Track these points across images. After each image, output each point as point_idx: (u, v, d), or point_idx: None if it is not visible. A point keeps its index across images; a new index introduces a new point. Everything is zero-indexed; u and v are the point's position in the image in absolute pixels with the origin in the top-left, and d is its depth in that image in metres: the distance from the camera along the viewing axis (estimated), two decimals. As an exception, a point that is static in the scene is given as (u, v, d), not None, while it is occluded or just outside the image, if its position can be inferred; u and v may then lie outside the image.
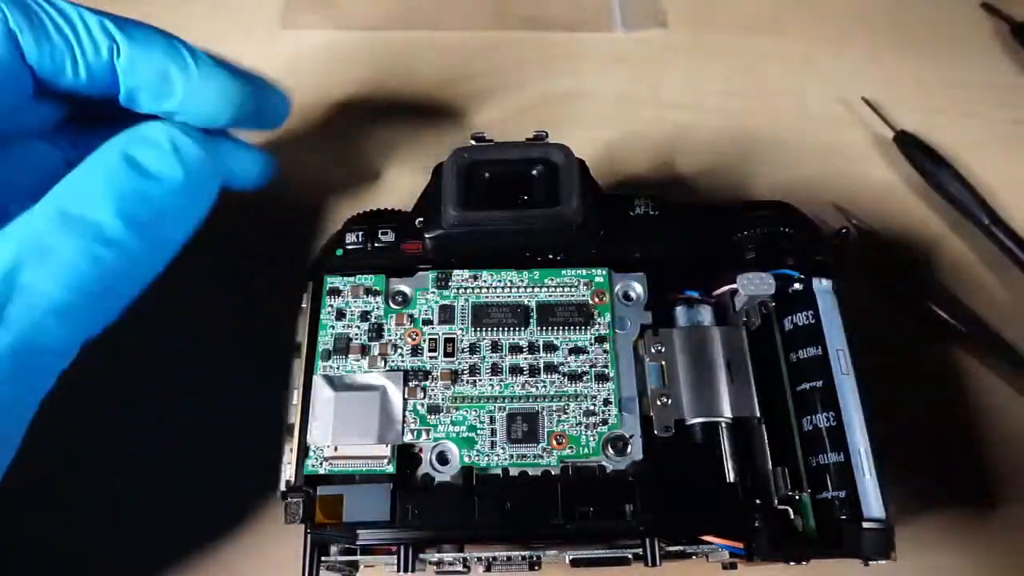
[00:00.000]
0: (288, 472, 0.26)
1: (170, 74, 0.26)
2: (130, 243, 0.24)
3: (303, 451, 0.26)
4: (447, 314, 0.29)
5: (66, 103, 0.29)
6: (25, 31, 0.25)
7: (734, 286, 0.28)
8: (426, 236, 0.29)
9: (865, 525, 0.25)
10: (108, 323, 0.25)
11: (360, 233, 0.30)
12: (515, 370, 0.28)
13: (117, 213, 0.24)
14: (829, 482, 0.25)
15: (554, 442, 0.26)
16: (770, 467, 0.26)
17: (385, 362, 0.28)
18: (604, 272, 0.29)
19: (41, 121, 0.29)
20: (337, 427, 0.26)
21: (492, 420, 0.27)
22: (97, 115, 0.29)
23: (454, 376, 0.27)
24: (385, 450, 0.26)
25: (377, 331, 0.28)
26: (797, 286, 0.28)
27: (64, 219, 0.23)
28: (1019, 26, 0.40)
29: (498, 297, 0.29)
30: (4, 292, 0.22)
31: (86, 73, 0.26)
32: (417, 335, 0.28)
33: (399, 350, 0.28)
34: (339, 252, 0.30)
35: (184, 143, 0.26)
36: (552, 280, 0.29)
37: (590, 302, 0.29)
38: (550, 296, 0.29)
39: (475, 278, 0.29)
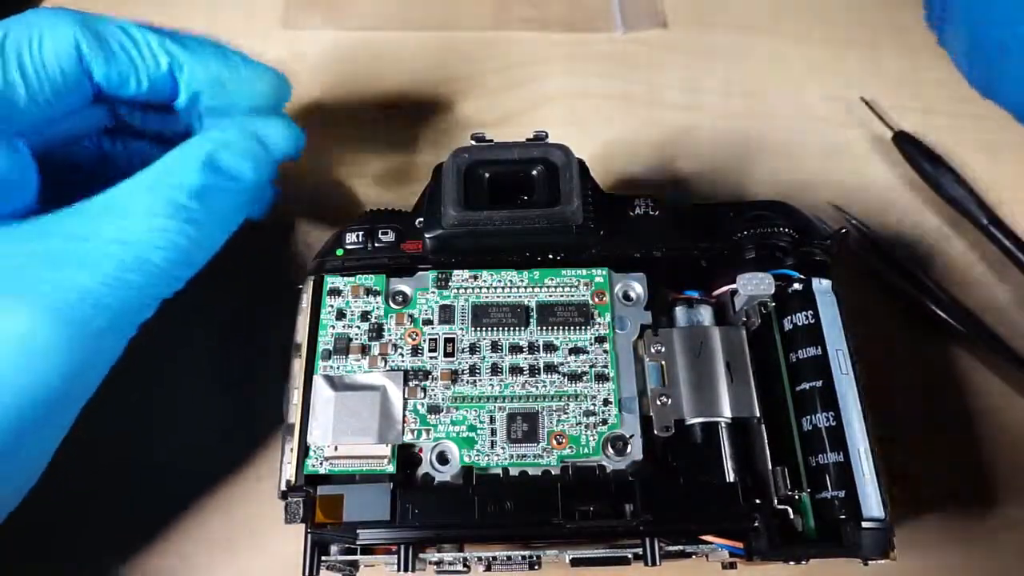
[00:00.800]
0: (288, 472, 0.26)
1: (223, 77, 0.30)
2: (203, 222, 0.28)
3: (303, 451, 0.26)
4: (447, 314, 0.29)
5: (122, 106, 0.33)
6: (97, 55, 0.28)
7: (734, 286, 0.28)
8: (426, 236, 0.29)
9: (865, 525, 0.25)
10: (165, 296, 0.28)
11: (360, 233, 0.30)
12: (515, 370, 0.28)
13: (198, 197, 0.27)
14: (829, 482, 0.25)
15: (554, 442, 0.26)
16: (770, 467, 0.26)
17: (385, 362, 0.28)
18: (604, 272, 0.29)
19: (96, 122, 0.32)
20: (337, 427, 0.26)
21: (492, 420, 0.27)
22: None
23: (454, 376, 0.27)
24: (385, 450, 0.26)
25: (377, 331, 0.28)
26: (797, 286, 0.28)
27: (155, 193, 0.27)
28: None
29: (498, 297, 0.29)
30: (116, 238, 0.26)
31: (147, 84, 0.30)
32: (417, 335, 0.28)
33: (399, 350, 0.28)
34: (339, 252, 0.30)
35: (259, 151, 0.30)
36: (552, 280, 0.29)
37: (590, 302, 0.29)
38: (550, 296, 0.29)
39: (475, 278, 0.29)
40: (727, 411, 0.27)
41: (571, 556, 0.27)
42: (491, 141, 0.30)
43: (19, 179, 0.28)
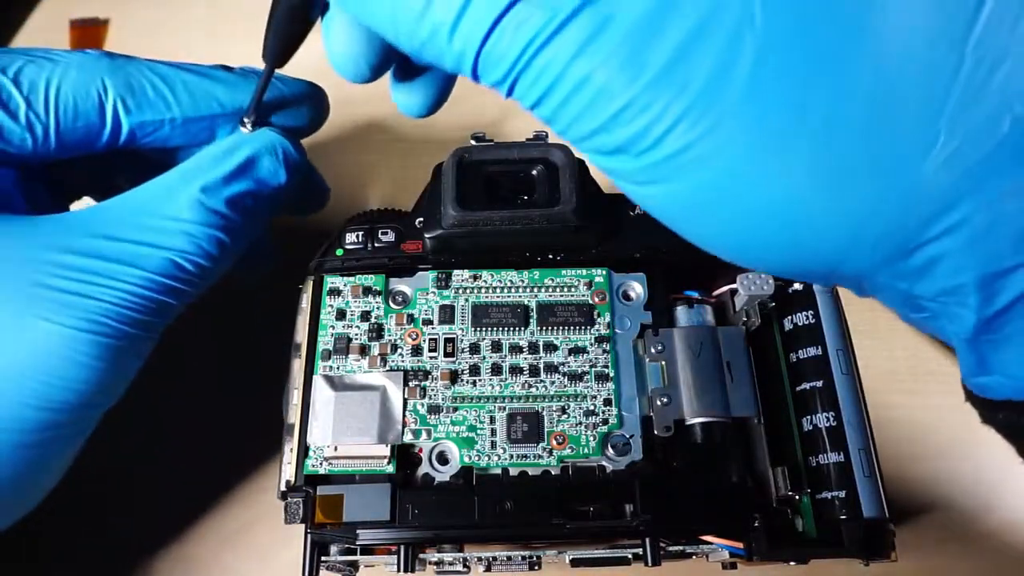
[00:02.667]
0: (288, 472, 0.26)
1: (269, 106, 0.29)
2: (236, 223, 0.27)
3: (303, 451, 0.26)
4: (447, 314, 0.29)
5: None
6: (128, 101, 0.27)
7: (734, 286, 0.28)
8: (426, 236, 0.29)
9: (865, 525, 0.25)
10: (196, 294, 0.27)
11: (360, 233, 0.30)
12: (515, 370, 0.28)
13: (229, 199, 0.27)
14: (829, 482, 0.25)
15: (554, 442, 0.26)
16: (770, 467, 0.26)
17: (385, 362, 0.28)
18: (604, 272, 0.29)
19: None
20: (337, 427, 0.26)
21: (492, 420, 0.27)
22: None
23: (454, 376, 0.27)
24: (385, 450, 0.26)
25: (377, 331, 0.28)
26: (797, 286, 0.28)
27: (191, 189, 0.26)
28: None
29: (498, 297, 0.29)
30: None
31: (181, 120, 0.28)
32: (417, 335, 0.28)
33: (399, 350, 0.28)
34: (339, 252, 0.30)
35: (291, 153, 0.29)
36: (552, 280, 0.29)
37: (590, 302, 0.29)
38: (550, 296, 0.29)
39: (475, 278, 0.29)
40: (727, 411, 0.27)
41: (571, 556, 0.27)
42: (491, 141, 0.30)
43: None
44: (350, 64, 0.24)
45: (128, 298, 0.25)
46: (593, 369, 0.28)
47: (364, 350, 0.28)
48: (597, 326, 0.28)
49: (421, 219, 0.29)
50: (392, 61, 0.25)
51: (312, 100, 0.31)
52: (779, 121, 0.17)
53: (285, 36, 0.26)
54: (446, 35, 0.18)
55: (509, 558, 0.27)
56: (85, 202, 0.33)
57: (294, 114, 0.30)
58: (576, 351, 0.28)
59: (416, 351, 0.28)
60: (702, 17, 0.17)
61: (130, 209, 0.26)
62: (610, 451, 0.26)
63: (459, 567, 0.27)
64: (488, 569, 0.28)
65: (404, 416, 0.27)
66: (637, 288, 0.29)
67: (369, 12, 0.19)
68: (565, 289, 0.29)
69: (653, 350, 0.28)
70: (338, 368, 0.28)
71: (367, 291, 0.29)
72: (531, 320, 0.28)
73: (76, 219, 0.26)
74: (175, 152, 0.29)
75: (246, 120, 0.29)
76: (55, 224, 0.26)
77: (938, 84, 0.17)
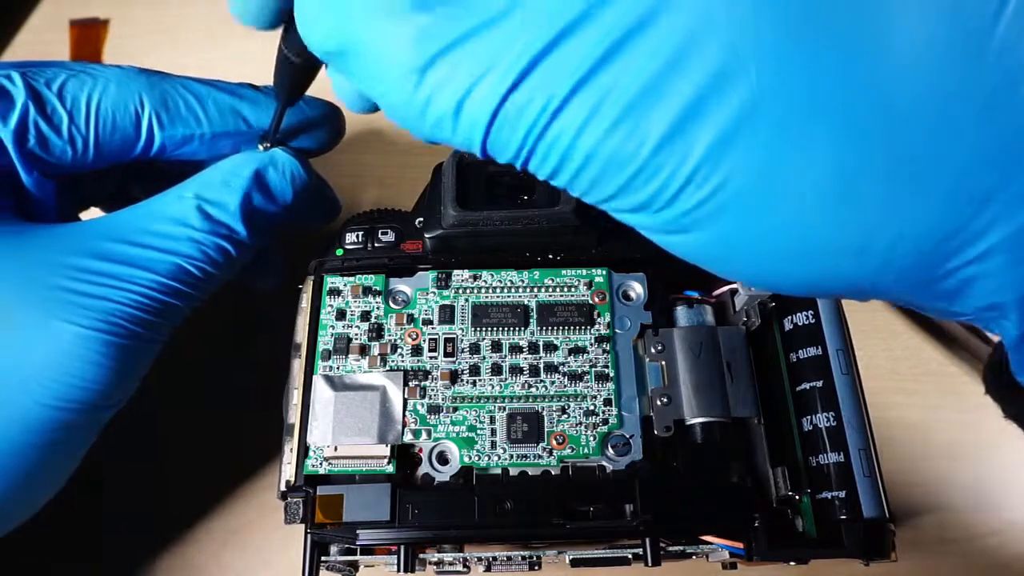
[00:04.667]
0: (288, 472, 0.26)
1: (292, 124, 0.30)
2: (241, 234, 0.28)
3: (303, 451, 0.26)
4: (447, 314, 0.29)
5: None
6: (163, 117, 0.28)
7: (734, 286, 0.28)
8: (426, 236, 0.29)
9: (865, 525, 0.25)
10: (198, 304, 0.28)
11: (360, 233, 0.30)
12: (515, 370, 0.28)
13: (236, 212, 0.28)
14: (829, 482, 0.25)
15: (554, 442, 0.26)
16: (770, 467, 0.26)
17: (385, 362, 0.28)
18: (604, 272, 0.29)
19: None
20: (337, 427, 0.26)
21: (492, 420, 0.27)
22: None
23: (454, 376, 0.27)
24: (385, 450, 0.26)
25: (377, 331, 0.28)
26: (797, 286, 0.28)
27: (202, 202, 0.27)
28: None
29: (498, 297, 0.29)
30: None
31: (209, 135, 0.29)
32: (417, 335, 0.28)
33: (399, 350, 0.28)
34: (339, 252, 0.30)
35: (299, 173, 0.30)
36: (552, 280, 0.29)
37: (590, 302, 0.29)
38: (550, 296, 0.29)
39: (475, 278, 0.29)
40: (727, 411, 0.27)
41: (571, 556, 0.27)
42: (491, 141, 0.30)
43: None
44: (356, 102, 0.26)
45: (138, 299, 0.26)
46: (593, 369, 0.28)
47: (364, 350, 0.28)
48: (597, 326, 0.28)
49: (421, 219, 0.29)
50: None
51: (329, 120, 0.32)
52: (789, 170, 0.17)
53: (291, 84, 0.27)
54: (449, 128, 0.19)
55: (509, 558, 0.27)
56: (92, 212, 0.33)
57: (312, 136, 0.31)
58: (576, 351, 0.28)
59: (416, 351, 0.28)
60: (706, 79, 0.17)
61: (142, 216, 0.27)
62: (610, 451, 0.26)
63: (459, 567, 0.27)
64: (488, 569, 0.28)
65: (404, 416, 0.27)
66: (637, 288, 0.29)
67: (373, 95, 0.20)
68: (565, 289, 0.29)
69: (653, 350, 0.27)
70: (338, 368, 0.28)
71: (367, 291, 0.29)
72: (531, 320, 0.28)
73: (91, 226, 0.27)
74: (199, 165, 0.30)
75: (262, 144, 0.30)
76: (71, 231, 0.27)
77: (957, 112, 0.16)
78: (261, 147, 0.30)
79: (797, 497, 0.26)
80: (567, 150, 0.18)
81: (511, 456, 0.26)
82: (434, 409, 0.27)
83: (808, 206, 0.17)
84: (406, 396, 0.27)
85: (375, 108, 0.25)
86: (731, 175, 0.17)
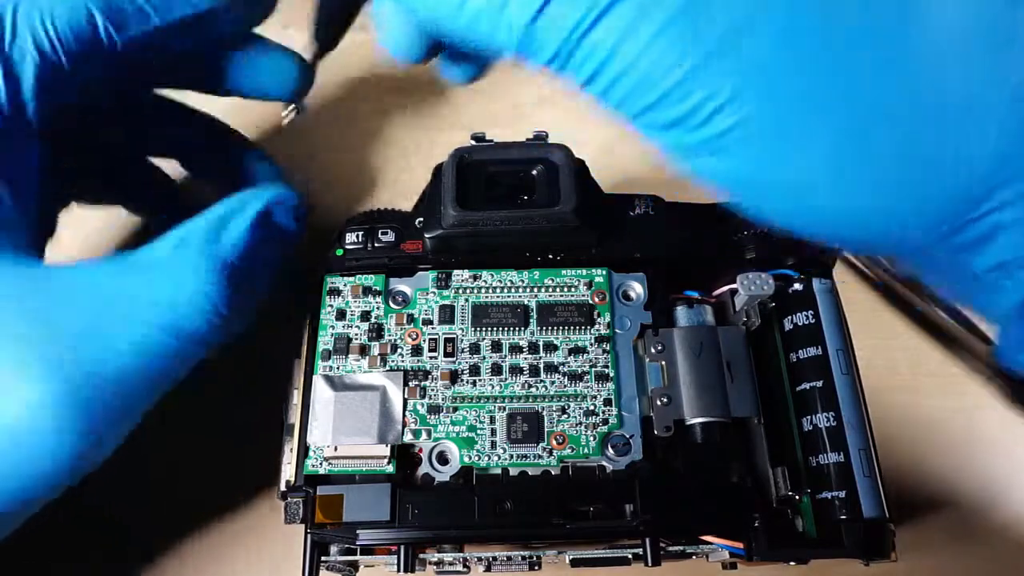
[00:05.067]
0: (288, 472, 0.26)
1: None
2: (246, 283, 0.27)
3: (303, 451, 0.26)
4: (447, 314, 0.29)
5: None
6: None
7: (734, 286, 0.28)
8: (426, 236, 0.29)
9: (865, 525, 0.25)
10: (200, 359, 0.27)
11: (360, 233, 0.30)
12: (515, 370, 0.28)
13: (245, 255, 0.26)
14: (829, 482, 0.25)
15: (554, 442, 0.26)
16: (770, 467, 0.26)
17: (385, 362, 0.28)
18: (604, 272, 0.29)
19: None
20: (337, 427, 0.26)
21: (492, 420, 0.27)
22: None
23: (454, 376, 0.27)
24: (385, 450, 0.26)
25: (377, 331, 0.28)
26: (797, 286, 0.28)
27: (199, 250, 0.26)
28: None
29: (498, 297, 0.29)
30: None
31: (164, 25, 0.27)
32: (417, 335, 0.28)
33: (399, 350, 0.28)
34: (339, 252, 0.30)
35: (300, 211, 0.29)
36: (552, 280, 0.29)
37: (590, 302, 0.29)
38: (550, 296, 0.29)
39: (475, 278, 0.29)
40: (727, 411, 0.27)
41: (571, 556, 0.27)
42: (491, 141, 0.30)
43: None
44: (401, 47, 0.25)
45: (116, 361, 0.24)
46: (593, 369, 0.28)
47: (364, 350, 0.28)
48: (597, 326, 0.28)
49: (421, 219, 0.29)
50: (441, 45, 0.25)
51: (300, 71, 0.31)
52: (825, 96, 0.17)
53: (333, 21, 0.26)
54: (488, 20, 0.18)
55: (509, 558, 0.27)
56: (73, 212, 0.33)
57: (279, 83, 0.31)
58: (576, 351, 0.28)
59: (416, 351, 0.28)
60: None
61: (133, 264, 0.26)
62: (610, 451, 0.26)
63: (459, 567, 0.27)
64: (488, 569, 0.28)
65: (404, 416, 0.27)
66: (637, 288, 0.29)
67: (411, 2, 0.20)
68: (565, 289, 0.29)
69: (653, 350, 0.27)
70: (338, 368, 0.28)
71: (367, 291, 0.29)
72: (531, 320, 0.28)
73: (78, 271, 0.25)
74: (200, 61, 0.30)
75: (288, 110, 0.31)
76: (54, 275, 0.25)
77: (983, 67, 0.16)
78: (287, 111, 0.31)
79: (797, 497, 0.26)
80: (607, 57, 0.17)
81: (511, 456, 0.26)
82: (434, 409, 0.27)
83: (847, 136, 0.17)
84: (406, 396, 0.27)
85: (421, 58, 0.25)
86: (774, 92, 0.17)
